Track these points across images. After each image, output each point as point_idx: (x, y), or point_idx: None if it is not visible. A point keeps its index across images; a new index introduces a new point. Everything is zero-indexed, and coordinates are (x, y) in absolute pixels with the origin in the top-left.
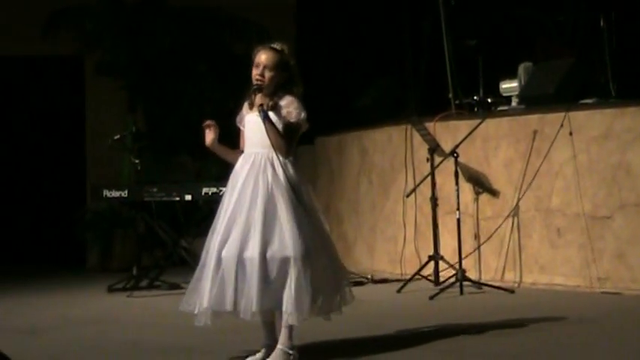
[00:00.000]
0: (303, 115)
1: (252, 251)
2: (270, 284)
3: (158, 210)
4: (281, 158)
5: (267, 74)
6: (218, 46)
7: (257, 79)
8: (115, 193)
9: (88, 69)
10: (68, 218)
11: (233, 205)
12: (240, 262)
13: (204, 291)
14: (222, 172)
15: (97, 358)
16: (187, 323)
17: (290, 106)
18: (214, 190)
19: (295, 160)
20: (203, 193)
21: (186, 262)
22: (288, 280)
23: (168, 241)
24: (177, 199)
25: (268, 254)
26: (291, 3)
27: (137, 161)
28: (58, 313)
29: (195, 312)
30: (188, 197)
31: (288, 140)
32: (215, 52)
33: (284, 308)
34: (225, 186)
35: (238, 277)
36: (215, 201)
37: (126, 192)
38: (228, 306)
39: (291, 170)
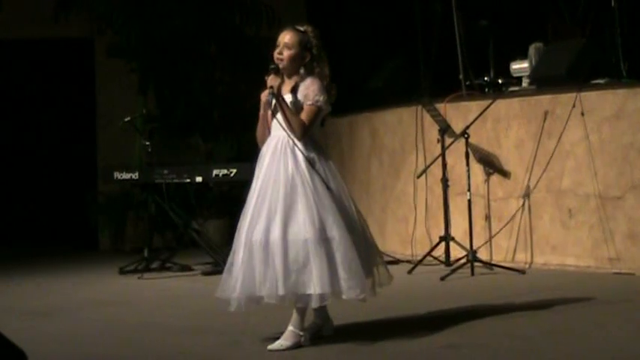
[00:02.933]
0: (321, 97)
1: (275, 235)
2: (293, 267)
3: (169, 192)
4: (296, 140)
5: (286, 52)
6: (229, 27)
7: (276, 59)
8: (126, 176)
9: (99, 51)
10: (80, 200)
11: (258, 190)
12: (266, 246)
13: (236, 276)
14: (232, 154)
15: (108, 340)
16: (199, 305)
17: (309, 89)
18: (225, 171)
19: (313, 141)
20: (214, 175)
21: (198, 243)
22: (309, 263)
23: (180, 223)
24: (188, 180)
25: (289, 237)
26: None
27: (148, 143)
28: (70, 295)
29: (229, 297)
30: (199, 179)
31: (303, 122)
32: (226, 34)
33: (307, 290)
34: (235, 167)
35: (264, 261)
36: (225, 182)
37: (137, 174)
38: (257, 291)
39: (311, 152)
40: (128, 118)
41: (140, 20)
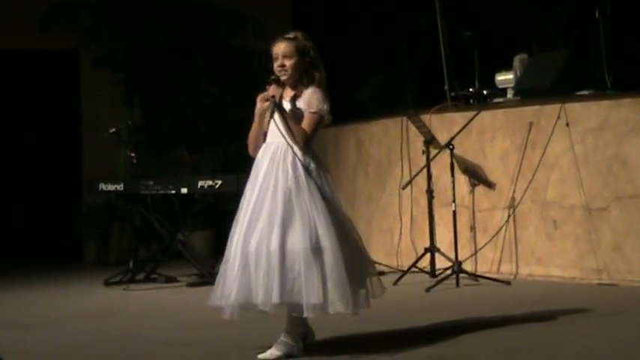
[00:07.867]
0: (324, 106)
1: (274, 245)
2: (289, 276)
3: (154, 203)
4: (297, 150)
5: (288, 62)
6: (214, 39)
7: (278, 70)
8: (111, 187)
9: (84, 63)
10: (65, 212)
11: (255, 197)
12: (264, 255)
13: (229, 285)
14: (217, 166)
15: (94, 352)
16: (185, 316)
17: (312, 97)
18: (210, 183)
19: (311, 150)
20: (199, 186)
21: (183, 255)
22: (304, 272)
23: (165, 235)
24: (174, 192)
25: (287, 247)
26: None
27: (133, 155)
28: (55, 307)
29: (222, 305)
30: (184, 190)
31: (305, 131)
32: (211, 46)
33: (301, 300)
34: (220, 179)
35: (261, 269)
36: (211, 194)
37: (122, 185)
38: (253, 298)
39: (310, 162)
40: (113, 130)
41: (126, 32)
